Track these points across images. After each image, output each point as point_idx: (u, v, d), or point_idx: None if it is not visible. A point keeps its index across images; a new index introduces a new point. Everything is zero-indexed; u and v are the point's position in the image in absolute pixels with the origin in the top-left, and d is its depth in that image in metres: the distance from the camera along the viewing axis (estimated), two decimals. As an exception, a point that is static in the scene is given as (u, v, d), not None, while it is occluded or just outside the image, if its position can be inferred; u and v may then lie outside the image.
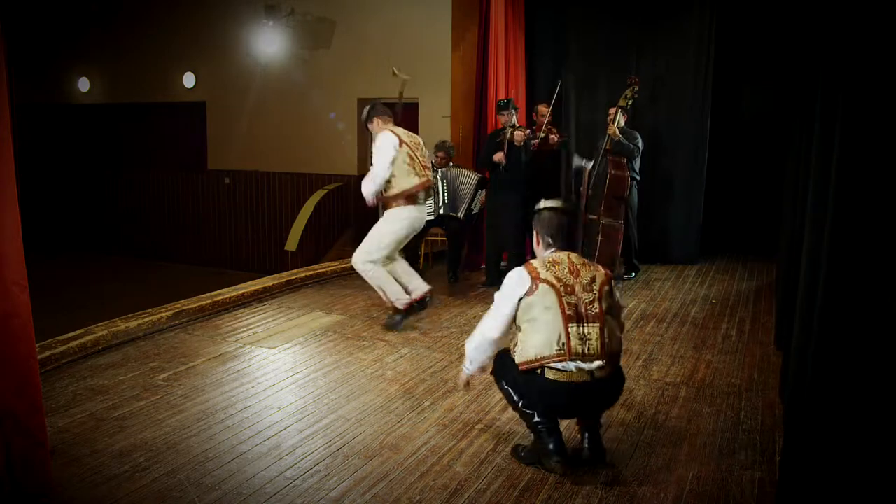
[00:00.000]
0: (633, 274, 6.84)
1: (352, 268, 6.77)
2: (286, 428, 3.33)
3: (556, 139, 6.63)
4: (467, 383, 3.25)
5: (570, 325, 2.83)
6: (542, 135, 6.56)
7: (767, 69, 8.08)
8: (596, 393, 2.91)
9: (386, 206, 4.98)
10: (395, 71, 5.01)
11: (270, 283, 6.13)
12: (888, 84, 1.78)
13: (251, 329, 5.01)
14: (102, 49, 12.30)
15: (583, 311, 2.86)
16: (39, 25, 12.15)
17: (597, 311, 2.87)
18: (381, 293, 4.95)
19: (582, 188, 6.87)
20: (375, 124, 4.95)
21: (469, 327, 5.06)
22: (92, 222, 12.99)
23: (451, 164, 6.76)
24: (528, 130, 6.35)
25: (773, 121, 7.93)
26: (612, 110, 6.61)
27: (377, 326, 5.06)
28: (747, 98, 8.52)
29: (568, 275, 2.90)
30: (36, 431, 2.59)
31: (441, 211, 6.60)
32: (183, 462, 2.97)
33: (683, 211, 7.56)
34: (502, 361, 3.08)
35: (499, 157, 6.11)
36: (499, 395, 3.72)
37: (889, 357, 1.70)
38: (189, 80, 11.41)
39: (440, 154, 6.74)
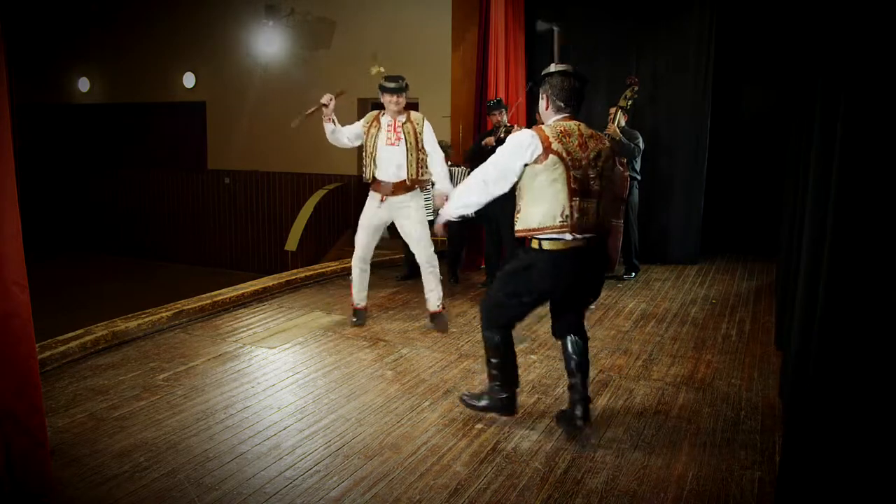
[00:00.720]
0: (633, 274, 6.84)
1: (352, 268, 6.77)
2: (286, 428, 3.33)
3: None
4: (443, 227, 3.34)
5: (574, 198, 2.92)
6: None
7: (767, 69, 8.08)
8: (589, 260, 3.04)
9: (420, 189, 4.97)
10: (376, 66, 4.99)
11: (270, 283, 6.13)
12: (889, 84, 1.78)
13: (251, 329, 5.01)
14: (102, 49, 12.30)
15: (587, 185, 2.95)
16: (39, 25, 12.15)
17: (598, 187, 2.98)
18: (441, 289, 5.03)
19: None
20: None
21: (469, 327, 5.07)
22: (92, 222, 12.99)
23: (448, 163, 6.75)
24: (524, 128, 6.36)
25: (773, 121, 7.94)
26: (613, 110, 6.61)
27: (377, 326, 5.06)
28: (747, 98, 8.52)
29: (577, 148, 2.95)
30: (36, 431, 2.59)
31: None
32: (183, 462, 2.97)
33: (683, 211, 7.56)
34: (486, 304, 3.27)
35: (489, 140, 6.15)
36: (499, 395, 3.73)
37: (889, 357, 1.70)
38: (189, 80, 11.42)
39: None
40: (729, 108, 8.28)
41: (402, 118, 4.82)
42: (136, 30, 11.74)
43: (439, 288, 5.02)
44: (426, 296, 5.06)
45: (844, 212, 1.98)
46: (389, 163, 4.78)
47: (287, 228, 9.82)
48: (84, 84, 12.73)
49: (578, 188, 2.93)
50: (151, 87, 11.86)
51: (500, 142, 6.12)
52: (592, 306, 6.41)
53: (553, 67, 3.09)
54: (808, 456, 2.15)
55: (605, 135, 6.50)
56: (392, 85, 4.72)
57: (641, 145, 6.62)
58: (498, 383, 3.29)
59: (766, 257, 7.61)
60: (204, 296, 5.54)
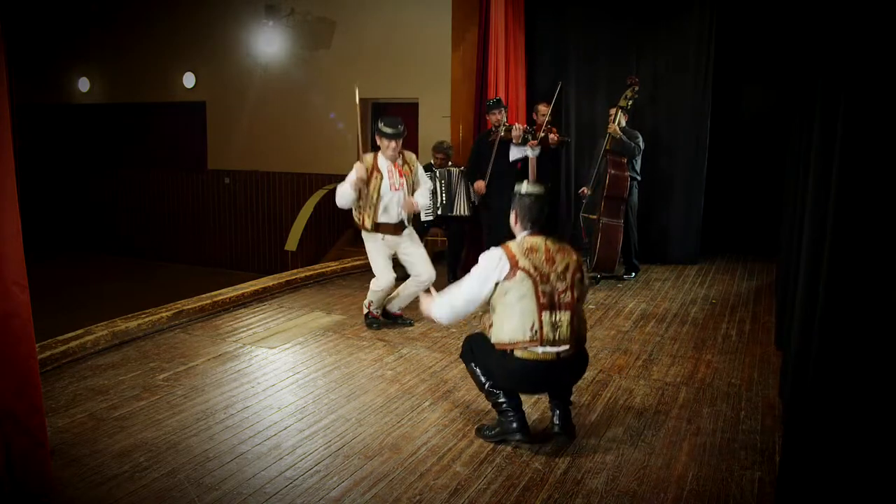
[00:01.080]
0: (633, 274, 6.84)
1: (352, 268, 6.78)
2: (286, 428, 3.33)
3: (555, 139, 6.63)
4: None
5: (543, 312, 3.02)
6: (542, 135, 6.56)
7: (767, 69, 8.08)
8: (560, 370, 3.12)
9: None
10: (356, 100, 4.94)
11: (270, 283, 6.13)
12: (889, 84, 1.78)
13: (251, 329, 5.01)
14: (102, 49, 12.29)
15: (556, 299, 3.04)
16: (39, 25, 12.15)
17: (568, 299, 3.06)
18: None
19: (583, 189, 6.88)
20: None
21: (469, 328, 5.06)
22: (92, 222, 12.98)
23: (449, 164, 6.75)
24: (524, 126, 6.36)
25: (773, 121, 7.94)
26: (613, 110, 6.61)
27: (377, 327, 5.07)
28: (747, 98, 8.52)
29: (544, 263, 3.06)
30: (36, 431, 2.59)
31: (440, 212, 6.61)
32: (183, 462, 2.97)
33: (683, 211, 7.56)
34: (471, 346, 3.33)
35: (479, 185, 6.22)
36: (499, 395, 3.73)
37: (889, 357, 1.70)
38: (189, 80, 11.41)
39: (439, 156, 6.73)
40: (729, 108, 8.28)
41: (400, 160, 4.86)
42: (136, 30, 11.73)
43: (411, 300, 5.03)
44: (400, 297, 5.05)
45: (844, 212, 1.98)
46: (393, 206, 4.81)
47: (287, 228, 9.81)
48: (84, 84, 12.72)
49: (547, 302, 3.02)
50: (151, 87, 11.85)
51: (503, 155, 6.15)
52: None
53: (524, 189, 3.23)
54: (808, 456, 2.15)
55: (606, 134, 6.53)
56: (391, 131, 4.72)
57: (641, 145, 6.62)
58: (502, 410, 3.20)
59: (766, 257, 7.61)
60: (204, 296, 5.54)
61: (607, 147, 6.51)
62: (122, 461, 2.96)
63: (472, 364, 3.30)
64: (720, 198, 8.11)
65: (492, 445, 3.16)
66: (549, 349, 3.03)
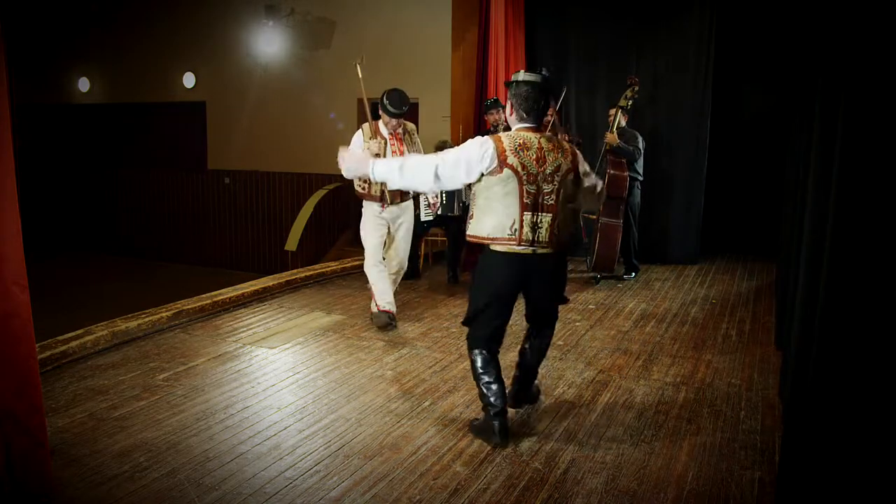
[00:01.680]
0: (633, 274, 6.84)
1: (352, 268, 6.78)
2: (286, 428, 3.33)
3: (566, 139, 6.62)
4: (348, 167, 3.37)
5: (525, 212, 2.97)
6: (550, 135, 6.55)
7: (767, 69, 8.08)
8: (539, 268, 3.09)
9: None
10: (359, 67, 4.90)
11: (270, 283, 6.13)
12: (889, 84, 1.78)
13: (251, 329, 5.01)
14: (102, 49, 12.30)
15: (539, 200, 2.98)
16: (39, 25, 12.15)
17: (553, 201, 3.01)
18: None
19: None
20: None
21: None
22: (92, 222, 12.99)
23: None
24: None
25: (773, 121, 7.94)
26: (613, 111, 6.61)
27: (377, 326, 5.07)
28: (747, 98, 8.52)
29: (534, 163, 2.97)
30: (36, 431, 2.59)
31: (440, 211, 6.61)
32: (183, 462, 2.97)
33: (683, 211, 7.56)
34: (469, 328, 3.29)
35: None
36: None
37: (889, 357, 1.70)
38: (189, 80, 11.41)
39: None
40: (729, 108, 8.28)
41: (400, 129, 4.93)
42: (136, 30, 11.73)
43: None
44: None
45: (844, 212, 1.98)
46: None
47: (287, 228, 9.82)
48: (84, 84, 12.73)
49: (531, 202, 2.97)
50: (151, 87, 11.86)
51: None
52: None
53: (521, 76, 3.09)
54: (808, 456, 2.15)
55: (605, 143, 6.53)
56: (395, 111, 4.74)
57: (642, 146, 6.62)
58: (488, 406, 3.20)
59: (766, 257, 7.61)
60: (204, 296, 5.54)
61: (607, 147, 6.51)
62: (122, 461, 2.96)
63: (474, 351, 3.24)
64: (720, 198, 8.11)
65: (492, 445, 3.16)
66: (526, 248, 3.01)
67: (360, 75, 4.90)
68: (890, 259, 1.75)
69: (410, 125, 5.03)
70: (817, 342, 2.11)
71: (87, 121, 12.88)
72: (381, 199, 4.85)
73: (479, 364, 3.23)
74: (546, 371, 4.16)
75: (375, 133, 4.82)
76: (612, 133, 6.45)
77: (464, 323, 3.33)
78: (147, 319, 4.84)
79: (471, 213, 3.11)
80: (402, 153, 4.79)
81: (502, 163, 2.94)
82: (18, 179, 2.54)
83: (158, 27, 11.49)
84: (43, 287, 4.91)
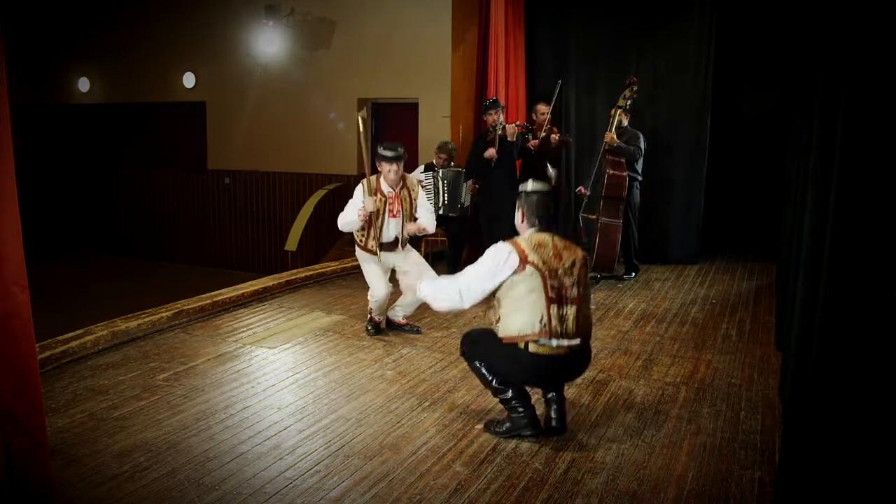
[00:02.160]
0: (633, 274, 6.84)
1: (352, 268, 6.80)
2: (286, 428, 3.33)
3: (556, 138, 6.63)
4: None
5: (551, 306, 3.09)
6: (543, 134, 6.56)
7: (767, 69, 8.08)
8: (570, 364, 3.22)
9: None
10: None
11: (270, 283, 6.13)
12: (889, 84, 1.78)
13: (251, 329, 5.01)
14: (102, 49, 12.29)
15: (563, 293, 3.11)
16: (39, 25, 12.14)
17: (575, 294, 3.14)
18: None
19: (579, 188, 6.90)
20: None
21: (469, 327, 5.06)
22: (92, 222, 12.99)
23: (451, 164, 6.76)
24: (519, 124, 6.36)
25: (773, 121, 7.93)
26: (613, 111, 6.60)
27: (377, 326, 5.08)
28: (747, 98, 8.52)
29: (552, 258, 3.13)
30: (36, 431, 2.59)
31: (441, 212, 6.61)
32: (183, 462, 2.97)
33: (683, 211, 7.56)
34: (474, 342, 3.36)
35: (490, 152, 6.13)
36: (499, 395, 3.73)
37: (889, 357, 1.70)
38: (189, 80, 11.41)
39: (442, 156, 6.73)
40: (729, 108, 8.28)
41: (400, 185, 4.75)
42: (136, 30, 11.73)
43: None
44: (402, 306, 4.94)
45: (844, 211, 1.98)
46: (391, 231, 4.75)
47: (287, 228, 9.81)
48: (84, 84, 12.72)
49: (555, 296, 3.09)
50: (151, 87, 11.85)
51: (502, 154, 6.13)
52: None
53: (530, 186, 3.31)
54: (808, 456, 2.15)
55: (604, 143, 6.53)
56: (390, 154, 4.62)
57: (643, 146, 6.62)
58: (511, 404, 3.25)
59: (766, 257, 7.61)
60: (204, 296, 5.54)
61: (606, 147, 6.51)
62: (122, 461, 2.96)
63: (476, 361, 3.33)
64: (720, 198, 8.11)
65: (492, 445, 3.16)
66: (562, 342, 3.10)
67: (362, 128, 4.77)
68: (890, 259, 1.75)
69: (412, 179, 4.88)
70: (817, 342, 2.11)
71: (87, 121, 12.87)
72: (377, 253, 4.74)
73: (485, 371, 3.31)
74: (546, 371, 4.16)
75: (376, 190, 4.67)
76: (611, 133, 6.45)
77: (464, 339, 3.41)
78: (147, 319, 4.84)
79: (497, 316, 3.21)
80: (399, 211, 4.71)
81: (524, 261, 3.10)
82: (18, 179, 2.54)
83: (158, 27, 11.48)
84: (43, 287, 4.91)
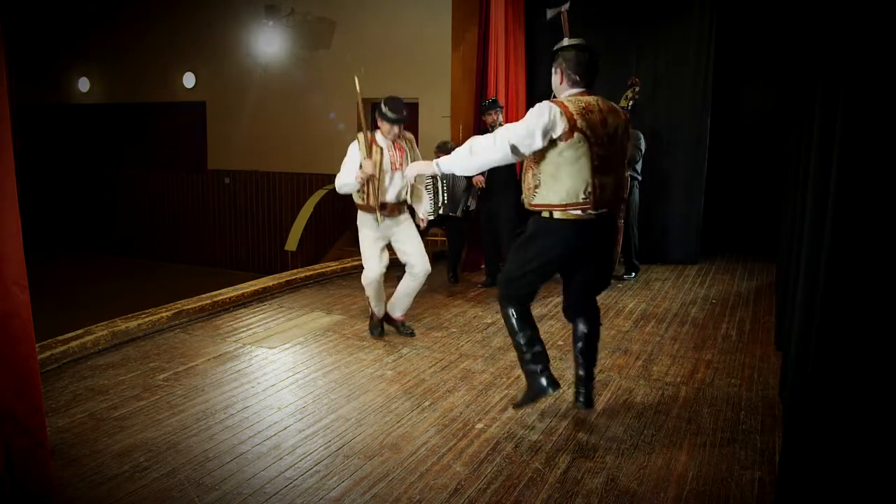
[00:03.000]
0: (633, 274, 6.84)
1: (352, 268, 6.78)
2: (286, 428, 3.33)
3: None
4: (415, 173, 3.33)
5: (595, 175, 2.95)
6: None
7: (767, 69, 8.09)
8: (599, 228, 3.09)
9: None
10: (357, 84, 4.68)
11: (270, 283, 6.13)
12: (888, 84, 1.78)
13: (251, 329, 5.01)
14: (102, 49, 12.30)
15: (607, 161, 2.98)
16: (39, 25, 12.15)
17: (616, 161, 3.02)
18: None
19: None
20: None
21: (469, 327, 5.07)
22: (92, 222, 12.99)
23: None
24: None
25: (773, 120, 7.94)
26: None
27: (377, 326, 5.08)
28: (747, 98, 8.52)
29: (598, 125, 2.96)
30: (36, 431, 2.59)
31: (441, 211, 6.61)
32: (183, 462, 2.97)
33: (683, 211, 7.56)
34: (505, 279, 3.25)
35: (478, 180, 6.15)
36: (499, 396, 3.73)
37: (889, 357, 1.70)
38: (189, 80, 11.41)
39: (441, 155, 6.72)
40: (729, 108, 8.28)
41: (400, 138, 4.68)
42: (136, 30, 11.73)
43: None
44: (398, 299, 4.84)
45: (844, 211, 1.98)
46: (394, 186, 4.63)
47: (287, 228, 9.82)
48: (84, 84, 12.73)
49: (599, 164, 2.95)
50: (151, 87, 11.86)
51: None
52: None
53: (566, 42, 3.10)
54: (808, 456, 2.15)
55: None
56: (394, 116, 4.52)
57: (643, 147, 6.62)
58: (531, 364, 3.28)
59: (766, 257, 7.61)
60: (204, 296, 5.54)
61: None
62: (122, 461, 2.96)
63: (508, 308, 3.25)
64: (720, 198, 8.11)
65: (492, 445, 3.16)
66: (591, 211, 3.00)
67: (359, 88, 4.65)
68: (890, 259, 1.75)
69: (409, 135, 4.82)
70: (817, 342, 2.11)
71: (87, 121, 12.88)
72: (382, 208, 4.57)
73: (514, 322, 3.26)
74: (546, 371, 4.16)
75: (372, 143, 4.57)
76: None
77: (498, 282, 3.32)
78: (147, 319, 4.84)
79: (536, 182, 3.05)
80: (401, 162, 4.63)
81: (573, 127, 2.91)
82: (18, 179, 2.54)
83: (158, 27, 11.49)
84: (43, 287, 4.91)
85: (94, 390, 3.77)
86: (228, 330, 4.98)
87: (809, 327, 2.29)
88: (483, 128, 6.55)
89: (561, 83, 3.11)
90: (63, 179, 13.11)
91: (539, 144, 2.94)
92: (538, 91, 7.79)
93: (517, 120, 6.55)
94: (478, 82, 7.45)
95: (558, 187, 2.97)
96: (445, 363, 4.30)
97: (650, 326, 5.16)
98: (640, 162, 6.68)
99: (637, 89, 6.59)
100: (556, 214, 3.01)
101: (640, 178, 6.73)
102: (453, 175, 6.58)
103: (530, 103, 7.58)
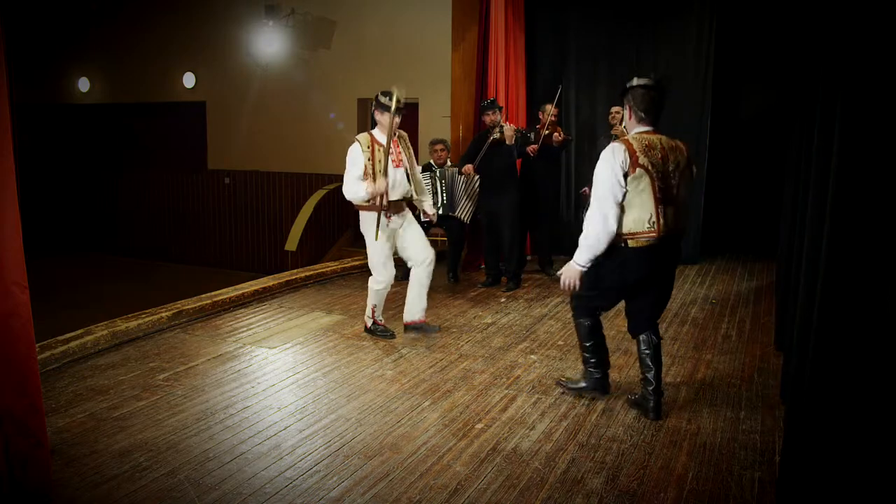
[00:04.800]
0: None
1: (352, 268, 6.76)
2: (286, 428, 3.33)
3: (559, 138, 6.63)
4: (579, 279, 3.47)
5: (658, 206, 3.26)
6: (546, 132, 6.56)
7: (767, 69, 8.10)
8: (667, 250, 3.37)
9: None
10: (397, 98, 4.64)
11: (270, 283, 6.13)
12: (887, 84, 1.78)
13: (251, 329, 5.01)
14: (102, 49, 12.30)
15: (669, 193, 3.29)
16: (39, 25, 12.15)
17: (677, 193, 3.32)
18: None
19: (584, 189, 6.89)
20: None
21: (469, 327, 5.07)
22: (92, 222, 12.99)
23: (448, 162, 6.76)
24: (515, 126, 6.36)
25: (773, 121, 7.95)
26: (616, 109, 6.59)
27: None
28: (747, 98, 8.53)
29: (660, 161, 3.26)
30: (36, 431, 2.59)
31: (440, 211, 6.62)
32: (183, 462, 2.97)
33: (683, 211, 7.55)
34: (578, 295, 3.57)
35: (467, 168, 6.19)
36: (499, 396, 3.73)
37: (889, 357, 1.70)
38: (189, 80, 11.41)
39: (438, 146, 6.69)
40: (729, 108, 8.28)
41: (395, 135, 4.60)
42: (136, 30, 11.73)
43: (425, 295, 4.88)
44: (411, 302, 4.83)
45: (844, 211, 1.98)
46: (397, 184, 4.58)
47: (287, 228, 9.82)
48: (84, 84, 12.73)
49: (662, 197, 3.26)
50: (151, 87, 11.86)
51: (502, 155, 6.13)
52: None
53: (635, 81, 3.39)
54: (808, 456, 2.15)
55: (610, 135, 6.52)
56: (393, 105, 4.44)
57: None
58: (592, 366, 3.69)
59: (766, 257, 7.61)
60: (204, 296, 5.54)
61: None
62: (122, 461, 2.96)
63: (581, 318, 3.62)
64: (720, 198, 8.11)
65: (492, 445, 3.16)
66: (655, 238, 3.28)
67: (397, 100, 4.47)
68: (889, 259, 1.75)
69: (403, 133, 4.77)
70: (817, 342, 2.11)
71: (87, 121, 12.88)
72: (387, 207, 4.52)
73: (585, 331, 3.64)
74: (546, 371, 4.16)
75: (372, 143, 4.49)
76: (621, 126, 6.44)
77: (573, 296, 3.63)
78: (147, 319, 4.84)
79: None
80: (400, 158, 4.61)
81: (634, 163, 3.21)
82: (18, 179, 2.54)
83: (158, 27, 11.48)
84: (43, 287, 4.91)
85: (94, 390, 3.77)
86: (228, 330, 4.98)
87: (809, 327, 2.29)
88: (483, 128, 6.54)
89: (630, 119, 3.41)
90: (63, 179, 13.11)
91: (623, 182, 3.25)
92: (538, 91, 7.79)
93: (516, 120, 6.61)
94: (478, 82, 7.45)
95: (626, 218, 3.27)
96: (445, 363, 4.30)
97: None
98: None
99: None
100: (630, 243, 3.30)
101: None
102: (452, 175, 6.60)
103: (530, 103, 7.61)
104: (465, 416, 3.49)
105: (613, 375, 4.09)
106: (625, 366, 4.28)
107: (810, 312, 2.33)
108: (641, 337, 3.55)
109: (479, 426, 3.37)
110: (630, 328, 3.64)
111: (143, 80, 11.92)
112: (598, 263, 3.37)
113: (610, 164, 3.22)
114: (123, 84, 12.27)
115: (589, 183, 6.76)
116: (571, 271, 3.38)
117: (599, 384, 3.70)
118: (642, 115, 3.33)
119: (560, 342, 4.72)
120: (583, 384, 3.73)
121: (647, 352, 3.52)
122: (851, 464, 1.89)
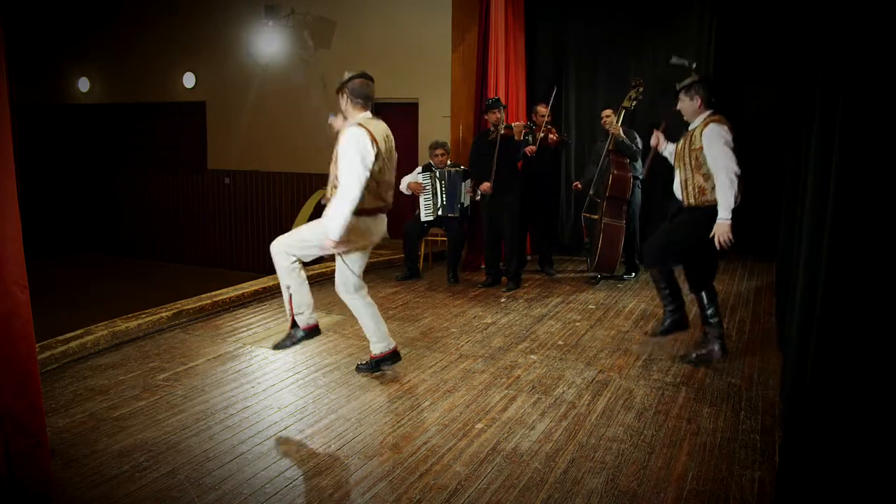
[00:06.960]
0: (634, 274, 6.84)
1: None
2: (286, 428, 3.33)
3: (554, 139, 6.64)
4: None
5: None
6: (542, 134, 6.57)
7: (767, 69, 8.07)
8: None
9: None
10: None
11: (270, 283, 6.13)
12: (888, 84, 1.78)
13: (251, 329, 5.01)
14: (102, 49, 12.29)
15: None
16: (39, 25, 12.14)
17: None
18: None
19: (576, 183, 6.93)
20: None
21: (469, 327, 5.07)
22: (92, 222, 12.98)
23: (448, 162, 6.76)
24: (524, 123, 6.37)
25: (773, 120, 7.92)
26: (606, 113, 6.62)
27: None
28: (747, 98, 8.51)
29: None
30: (36, 431, 2.59)
31: (440, 212, 6.61)
32: (183, 462, 2.97)
33: (683, 211, 7.55)
34: (662, 249, 4.33)
35: (485, 187, 6.19)
36: (499, 396, 3.74)
37: (889, 357, 1.70)
38: (189, 80, 11.40)
39: (438, 151, 6.72)
40: (729, 108, 8.24)
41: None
42: (136, 30, 11.72)
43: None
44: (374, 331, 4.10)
45: (844, 211, 1.98)
46: (392, 181, 4.05)
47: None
48: (84, 84, 12.72)
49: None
50: (151, 87, 11.85)
51: (503, 155, 6.13)
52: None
53: (695, 76, 4.36)
54: (808, 456, 2.15)
55: (609, 135, 6.52)
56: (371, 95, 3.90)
57: (640, 145, 6.62)
58: (671, 306, 4.38)
59: (766, 257, 7.60)
60: (204, 296, 5.54)
61: (610, 147, 6.51)
62: (122, 461, 2.96)
63: (658, 267, 4.31)
64: (720, 198, 8.09)
65: (492, 445, 3.16)
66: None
67: None
68: (889, 259, 1.75)
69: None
70: (817, 343, 2.11)
71: (87, 121, 12.87)
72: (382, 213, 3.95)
73: (664, 282, 4.34)
74: (546, 371, 4.16)
75: (374, 137, 3.84)
76: (618, 125, 6.44)
77: (654, 255, 4.36)
78: (147, 319, 4.84)
79: (711, 184, 4.27)
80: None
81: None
82: (18, 179, 2.54)
83: (158, 27, 11.48)
84: (43, 287, 4.90)
85: (94, 390, 3.77)
86: (228, 330, 4.98)
87: (809, 327, 2.30)
88: (485, 127, 6.54)
89: (699, 106, 4.25)
90: (63, 179, 13.11)
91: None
92: (538, 91, 7.79)
93: (517, 118, 6.72)
94: (478, 82, 7.45)
95: (708, 185, 4.22)
96: (445, 363, 4.30)
97: (650, 326, 5.16)
98: (640, 161, 6.68)
99: (640, 90, 6.58)
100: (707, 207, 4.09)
101: (640, 176, 6.73)
102: (451, 175, 6.59)
103: (530, 103, 7.60)
104: (465, 416, 3.49)
105: (613, 375, 4.10)
106: (625, 366, 4.28)
107: (810, 313, 2.33)
108: (703, 294, 4.29)
109: (479, 426, 3.37)
110: (690, 286, 4.38)
111: (142, 80, 11.91)
112: (690, 225, 4.20)
113: (727, 139, 4.15)
114: (123, 84, 12.26)
115: (586, 180, 6.78)
116: (724, 226, 4.04)
117: (681, 320, 4.43)
118: (712, 100, 4.27)
119: (560, 342, 4.72)
120: (667, 323, 4.44)
121: (711, 308, 4.28)
122: (851, 464, 1.89)
